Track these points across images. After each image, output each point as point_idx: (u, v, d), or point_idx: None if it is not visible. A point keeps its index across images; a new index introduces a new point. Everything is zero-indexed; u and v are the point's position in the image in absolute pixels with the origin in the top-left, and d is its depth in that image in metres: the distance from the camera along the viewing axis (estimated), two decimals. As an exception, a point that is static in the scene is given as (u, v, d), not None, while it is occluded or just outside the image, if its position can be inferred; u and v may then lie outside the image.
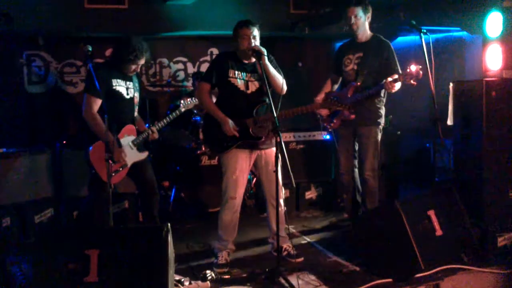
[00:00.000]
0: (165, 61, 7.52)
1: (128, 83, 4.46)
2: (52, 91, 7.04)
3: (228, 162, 4.34)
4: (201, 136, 5.96)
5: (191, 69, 7.64)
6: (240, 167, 4.33)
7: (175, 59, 7.59)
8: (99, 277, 3.17)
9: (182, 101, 5.01)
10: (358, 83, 4.89)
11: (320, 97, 5.12)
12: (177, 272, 3.83)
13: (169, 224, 3.30)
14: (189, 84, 7.41)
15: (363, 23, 4.96)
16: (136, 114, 4.61)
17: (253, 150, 4.37)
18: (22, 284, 3.90)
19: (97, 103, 4.25)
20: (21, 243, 4.90)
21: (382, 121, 5.03)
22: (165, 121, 4.67)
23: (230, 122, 4.27)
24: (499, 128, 4.39)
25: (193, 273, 4.13)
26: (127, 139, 4.40)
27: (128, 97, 4.44)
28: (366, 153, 5.03)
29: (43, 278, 3.22)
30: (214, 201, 5.46)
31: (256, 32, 4.26)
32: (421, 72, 4.48)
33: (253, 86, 4.36)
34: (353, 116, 4.83)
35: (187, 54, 7.64)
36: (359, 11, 4.92)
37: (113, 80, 4.34)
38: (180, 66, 7.63)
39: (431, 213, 4.02)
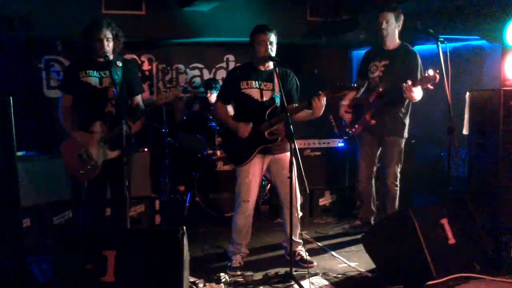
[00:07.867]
0: (181, 67, 7.58)
1: (103, 72, 4.23)
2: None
3: (241, 166, 4.37)
4: (216, 142, 6.03)
5: (207, 75, 7.68)
6: (253, 171, 4.35)
7: (191, 65, 7.64)
8: (115, 277, 3.24)
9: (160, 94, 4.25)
10: (381, 89, 4.93)
11: (345, 102, 5.20)
12: (192, 274, 3.88)
13: (184, 227, 3.36)
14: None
15: (393, 30, 4.97)
16: (111, 109, 4.26)
17: (266, 155, 4.38)
18: (41, 283, 4.00)
19: (66, 98, 4.31)
20: (41, 244, 4.97)
21: (406, 133, 5.11)
22: (139, 114, 4.28)
23: (241, 124, 4.28)
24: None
25: (207, 275, 4.17)
26: (96, 136, 4.22)
27: (100, 87, 4.22)
28: (390, 162, 5.11)
29: (62, 278, 3.30)
30: (229, 205, 5.52)
31: (273, 38, 4.24)
32: (438, 76, 4.47)
33: (268, 94, 4.32)
34: (373, 122, 4.97)
35: (204, 61, 7.70)
36: (391, 17, 4.94)
37: (80, 72, 4.21)
38: (196, 72, 7.68)
39: (444, 221, 4.02)
